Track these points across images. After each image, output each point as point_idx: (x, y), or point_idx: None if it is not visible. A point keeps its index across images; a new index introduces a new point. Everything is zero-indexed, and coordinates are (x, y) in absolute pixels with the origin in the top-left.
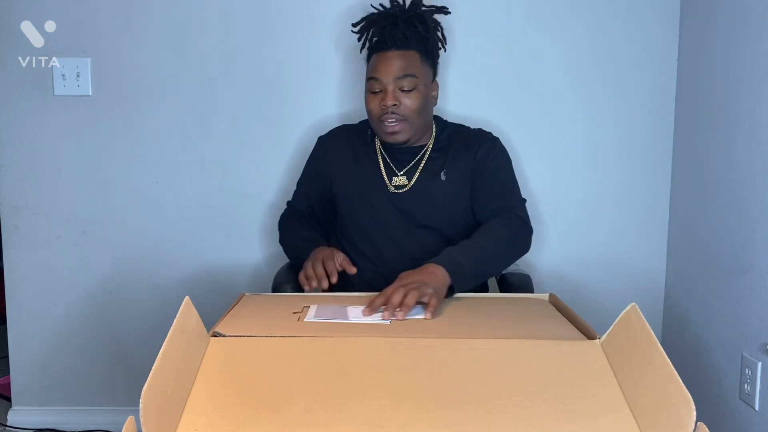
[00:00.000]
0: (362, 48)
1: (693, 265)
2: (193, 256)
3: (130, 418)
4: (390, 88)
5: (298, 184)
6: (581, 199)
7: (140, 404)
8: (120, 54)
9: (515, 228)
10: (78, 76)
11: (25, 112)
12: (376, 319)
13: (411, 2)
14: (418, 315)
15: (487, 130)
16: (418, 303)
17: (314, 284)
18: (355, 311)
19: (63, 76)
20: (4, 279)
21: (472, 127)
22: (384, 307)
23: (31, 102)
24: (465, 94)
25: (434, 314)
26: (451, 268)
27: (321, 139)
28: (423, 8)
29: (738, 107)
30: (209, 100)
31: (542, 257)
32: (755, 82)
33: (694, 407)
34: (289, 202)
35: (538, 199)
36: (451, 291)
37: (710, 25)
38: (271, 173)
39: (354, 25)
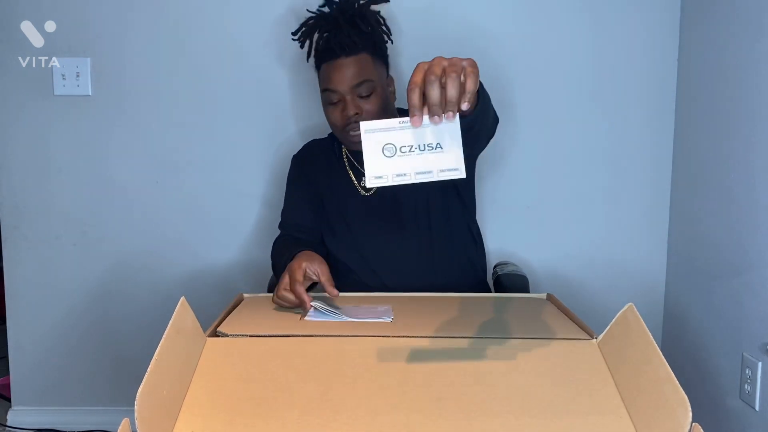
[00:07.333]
0: (308, 56)
1: (693, 265)
2: (193, 256)
3: (125, 420)
4: (348, 97)
5: (283, 209)
6: (580, 198)
7: (135, 406)
8: (120, 54)
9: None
10: (78, 76)
11: (25, 112)
12: (376, 318)
13: None
14: (387, 318)
15: None
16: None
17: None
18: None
19: (63, 76)
20: (4, 279)
21: None
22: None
23: (31, 102)
24: None
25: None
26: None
27: (294, 157)
28: (360, 1)
29: (738, 107)
30: (209, 100)
31: (541, 256)
32: (756, 82)
33: (690, 408)
34: (280, 225)
35: (537, 198)
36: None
37: (710, 25)
38: (270, 173)
39: (293, 34)
